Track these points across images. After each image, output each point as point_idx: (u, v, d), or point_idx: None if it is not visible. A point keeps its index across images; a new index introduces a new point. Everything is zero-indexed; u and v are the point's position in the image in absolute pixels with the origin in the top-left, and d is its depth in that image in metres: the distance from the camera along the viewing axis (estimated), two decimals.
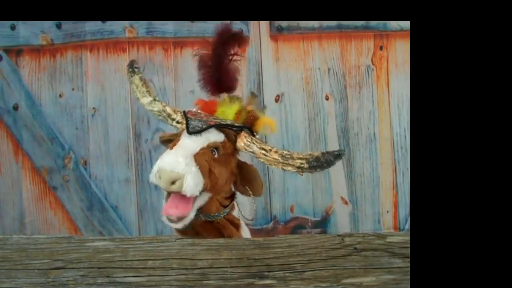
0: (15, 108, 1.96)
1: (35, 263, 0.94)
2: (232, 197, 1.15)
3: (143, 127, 1.95)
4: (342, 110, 1.95)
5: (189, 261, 0.92)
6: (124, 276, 0.91)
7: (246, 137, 1.06)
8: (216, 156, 1.03)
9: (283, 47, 1.95)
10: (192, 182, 0.95)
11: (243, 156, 1.14)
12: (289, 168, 1.01)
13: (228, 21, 1.14)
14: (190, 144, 1.01)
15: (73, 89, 1.97)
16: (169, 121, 1.12)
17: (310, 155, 1.00)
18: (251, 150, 1.04)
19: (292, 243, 0.94)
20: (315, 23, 1.93)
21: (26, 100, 1.96)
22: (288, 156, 1.01)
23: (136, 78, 1.18)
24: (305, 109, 1.94)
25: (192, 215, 1.01)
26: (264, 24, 1.94)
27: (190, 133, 1.03)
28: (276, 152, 1.02)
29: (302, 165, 0.99)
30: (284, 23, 1.93)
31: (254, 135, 1.09)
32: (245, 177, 1.11)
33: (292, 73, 1.95)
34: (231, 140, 1.07)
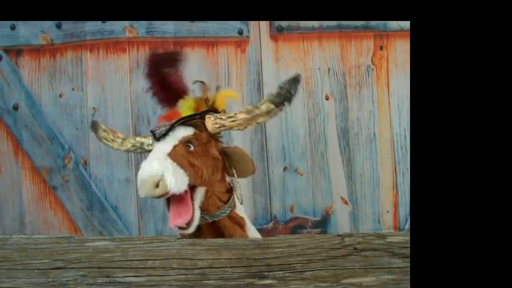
0: (15, 108, 1.96)
1: (35, 263, 0.94)
2: (230, 191, 1.15)
3: (143, 127, 1.95)
4: (342, 110, 1.94)
5: (189, 261, 0.93)
6: (124, 276, 0.91)
7: (210, 117, 1.08)
8: (192, 149, 1.04)
9: (283, 47, 1.95)
10: (173, 178, 0.96)
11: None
12: (261, 118, 1.04)
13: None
14: (161, 147, 1.02)
15: (73, 89, 1.97)
16: (146, 148, 1.15)
17: (269, 94, 1.04)
18: (222, 125, 1.07)
19: (292, 243, 0.94)
20: (315, 23, 1.92)
21: (26, 100, 1.96)
22: (253, 108, 1.04)
23: (101, 132, 1.23)
24: (305, 109, 1.94)
25: (197, 214, 1.01)
26: (264, 24, 1.94)
27: (158, 139, 1.04)
28: (241, 112, 1.06)
29: (269, 108, 1.02)
30: (284, 23, 1.93)
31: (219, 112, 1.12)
32: (234, 160, 1.12)
33: (292, 73, 1.93)
34: (202, 129, 1.08)
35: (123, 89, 1.96)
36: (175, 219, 0.99)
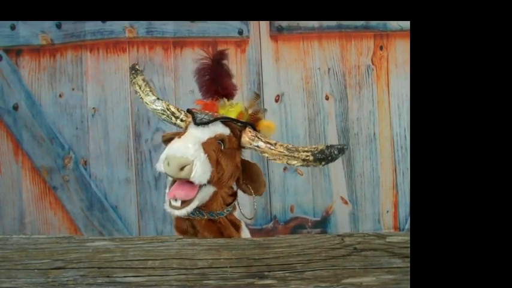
0: (15, 108, 1.96)
1: (35, 263, 0.94)
2: (234, 195, 1.15)
3: (143, 127, 1.95)
4: (342, 110, 1.95)
5: (189, 261, 0.93)
6: (124, 276, 0.91)
7: (250, 132, 1.08)
8: (222, 148, 1.04)
9: (283, 47, 1.95)
10: (201, 168, 0.96)
11: (246, 157, 1.15)
12: (295, 162, 1.03)
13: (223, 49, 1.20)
14: (198, 134, 1.02)
15: (73, 89, 1.97)
16: (173, 119, 1.13)
17: (315, 147, 1.02)
18: (256, 144, 1.06)
19: (292, 243, 0.94)
20: (315, 23, 1.93)
21: (26, 100, 1.96)
22: (293, 149, 1.03)
23: (139, 79, 1.21)
24: (305, 109, 1.94)
25: (195, 203, 1.01)
26: (264, 24, 1.94)
27: (197, 124, 1.04)
28: (281, 145, 1.04)
29: (307, 158, 1.01)
30: (284, 23, 1.93)
31: (258, 132, 1.11)
32: (248, 175, 1.12)
33: (292, 73, 1.95)
34: (236, 135, 1.08)
35: (123, 89, 1.96)
36: (176, 191, 0.98)
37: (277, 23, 1.93)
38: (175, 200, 0.99)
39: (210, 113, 1.08)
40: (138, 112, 1.95)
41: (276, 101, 1.94)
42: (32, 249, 0.97)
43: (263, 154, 1.06)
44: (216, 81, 1.13)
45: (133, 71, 1.23)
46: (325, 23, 1.93)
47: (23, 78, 1.97)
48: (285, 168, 1.94)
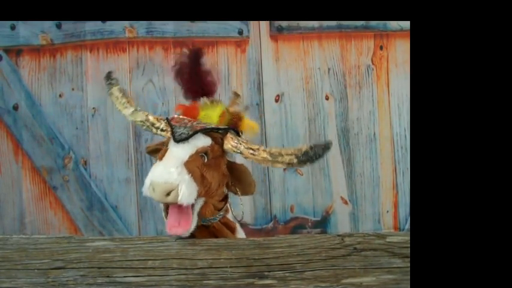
0: (15, 108, 1.96)
1: (35, 263, 0.94)
2: (225, 199, 1.15)
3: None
4: (342, 110, 1.94)
5: (189, 261, 0.93)
6: (124, 276, 0.91)
7: (232, 138, 1.06)
8: (206, 161, 1.03)
9: (283, 47, 1.95)
10: (187, 191, 0.95)
11: (235, 158, 1.14)
12: (279, 165, 1.02)
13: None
14: (179, 153, 1.01)
15: (73, 89, 1.97)
16: (154, 130, 1.11)
17: (298, 149, 1.00)
18: (239, 151, 1.04)
19: (292, 243, 0.94)
20: (315, 23, 1.92)
21: (26, 100, 1.96)
22: (277, 153, 1.01)
23: (115, 90, 1.18)
24: (305, 109, 1.94)
25: (194, 224, 1.01)
26: (264, 24, 1.94)
27: (177, 141, 1.02)
28: (264, 150, 1.03)
29: (291, 161, 1.00)
30: (284, 23, 1.93)
31: (240, 136, 1.10)
32: (236, 177, 1.11)
33: (292, 73, 1.95)
34: (218, 142, 1.06)
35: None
36: (174, 228, 0.99)
37: (277, 23, 1.93)
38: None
39: (189, 124, 1.06)
40: None
41: (276, 101, 1.94)
42: (32, 249, 0.97)
43: (246, 159, 1.04)
44: (195, 79, 1.12)
45: (108, 81, 1.20)
46: (325, 23, 1.92)
47: (23, 78, 1.97)
48: (285, 168, 1.94)
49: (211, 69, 1.15)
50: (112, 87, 1.19)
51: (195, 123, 1.07)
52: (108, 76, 1.22)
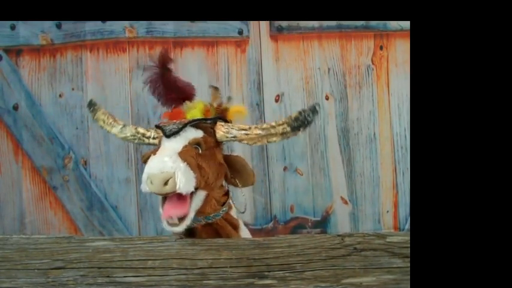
0: (15, 108, 1.96)
1: (35, 263, 0.94)
2: (227, 194, 1.15)
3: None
4: (342, 110, 1.94)
5: (189, 261, 0.93)
6: (124, 276, 0.91)
7: (222, 125, 1.08)
8: (200, 152, 1.04)
9: (283, 47, 1.95)
10: (184, 178, 0.95)
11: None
12: (274, 138, 1.04)
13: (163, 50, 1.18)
14: (172, 145, 1.01)
15: (73, 89, 1.97)
16: (146, 140, 1.12)
17: (289, 117, 1.02)
18: (232, 135, 1.06)
19: (292, 243, 0.94)
20: (315, 23, 1.92)
21: (26, 100, 1.96)
22: (269, 126, 1.03)
23: (100, 114, 1.19)
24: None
25: (191, 215, 1.00)
26: (264, 24, 1.94)
27: (168, 136, 1.03)
28: (256, 127, 1.04)
29: (285, 130, 1.02)
30: (284, 23, 1.93)
31: (230, 122, 1.11)
32: (235, 169, 1.12)
33: (292, 73, 1.95)
34: (210, 134, 1.07)
35: (123, 89, 1.96)
36: (170, 210, 0.98)
37: (277, 23, 1.93)
38: (172, 218, 0.99)
39: (178, 121, 1.07)
40: (138, 112, 1.95)
41: (276, 101, 1.94)
42: (32, 249, 0.97)
43: (242, 142, 1.06)
44: (170, 87, 1.13)
45: (91, 108, 1.21)
46: (325, 23, 1.93)
47: (23, 78, 1.97)
48: (285, 168, 1.94)
49: (179, 73, 1.16)
50: (96, 113, 1.20)
51: (183, 121, 1.09)
52: (89, 103, 1.23)
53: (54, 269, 0.93)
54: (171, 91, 1.13)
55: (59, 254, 0.95)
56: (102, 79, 1.96)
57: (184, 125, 1.04)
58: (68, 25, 1.94)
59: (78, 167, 1.96)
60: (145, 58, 1.95)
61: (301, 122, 1.01)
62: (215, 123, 1.08)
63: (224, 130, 1.07)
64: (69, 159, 1.96)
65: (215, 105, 1.14)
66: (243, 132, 1.05)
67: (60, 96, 1.97)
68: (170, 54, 1.16)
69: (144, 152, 1.22)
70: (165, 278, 0.91)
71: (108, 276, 0.91)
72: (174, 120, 1.09)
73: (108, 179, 1.96)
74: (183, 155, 0.99)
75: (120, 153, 1.96)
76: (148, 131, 1.12)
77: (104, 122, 1.18)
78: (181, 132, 1.03)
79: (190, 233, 1.06)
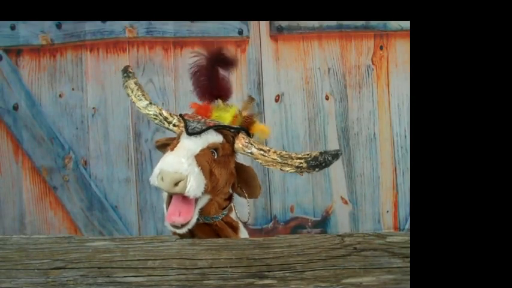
0: (15, 108, 1.96)
1: (35, 263, 0.94)
2: (230, 198, 1.15)
3: (143, 127, 1.95)
4: (342, 110, 1.95)
5: (189, 261, 0.92)
6: (124, 276, 0.91)
7: (244, 138, 1.07)
8: (215, 157, 1.03)
9: (283, 47, 1.95)
10: (195, 183, 0.95)
11: (242, 159, 1.14)
12: (288, 168, 1.01)
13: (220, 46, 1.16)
14: (190, 145, 1.01)
15: (73, 89, 1.97)
16: (166, 124, 1.12)
17: (308, 154, 1.01)
18: (249, 151, 1.05)
19: (292, 243, 0.94)
20: (315, 23, 1.93)
21: (26, 100, 1.96)
22: (287, 156, 1.02)
23: (131, 83, 1.19)
24: (305, 109, 1.94)
25: (194, 219, 1.01)
26: (264, 24, 1.94)
27: (189, 134, 1.03)
28: (274, 152, 1.03)
29: (301, 165, 1.00)
30: (284, 23, 1.93)
31: (251, 137, 1.10)
32: (243, 179, 1.12)
33: (292, 73, 1.95)
34: (229, 141, 1.07)
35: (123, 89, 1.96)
36: (174, 216, 0.98)
37: (277, 23, 1.93)
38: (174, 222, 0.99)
39: (203, 120, 1.07)
40: (138, 112, 1.95)
41: (276, 101, 1.94)
42: (32, 249, 0.97)
43: (256, 160, 1.05)
44: (211, 82, 1.12)
45: (125, 74, 1.21)
46: (325, 23, 1.93)
47: (23, 78, 1.97)
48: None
49: (229, 74, 1.15)
50: (128, 80, 1.20)
51: (208, 120, 1.08)
52: (125, 69, 1.23)
53: (54, 269, 0.93)
54: (212, 87, 1.12)
55: (59, 254, 0.95)
56: (102, 79, 1.96)
57: (208, 128, 1.04)
58: (68, 25, 1.94)
59: (78, 167, 1.96)
60: (145, 58, 1.96)
61: (319, 163, 0.99)
62: (238, 132, 1.08)
63: (244, 143, 1.06)
64: (69, 159, 1.96)
65: (244, 114, 1.13)
66: (262, 152, 1.04)
67: (60, 96, 1.97)
68: (233, 56, 1.15)
69: (159, 138, 1.22)
70: (165, 278, 0.91)
71: (108, 276, 0.91)
72: (199, 116, 1.08)
73: (108, 179, 1.96)
74: (200, 158, 0.99)
75: (120, 153, 1.96)
76: (171, 115, 1.12)
77: (132, 91, 1.18)
78: (202, 134, 1.03)
79: (189, 232, 1.06)
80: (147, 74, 1.95)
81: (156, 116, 1.13)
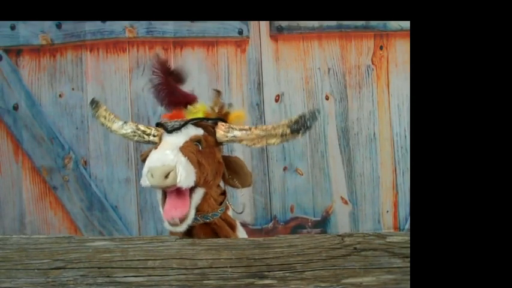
0: (15, 108, 1.96)
1: (35, 263, 0.94)
2: (224, 194, 1.16)
3: None
4: (342, 110, 1.94)
5: (189, 261, 0.92)
6: (124, 276, 0.91)
7: (223, 125, 1.09)
8: (200, 148, 1.05)
9: (283, 47, 1.95)
10: (184, 171, 0.96)
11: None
12: (274, 140, 1.04)
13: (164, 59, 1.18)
14: (173, 140, 1.03)
15: (73, 89, 1.97)
16: (146, 137, 1.13)
17: (289, 120, 1.03)
18: (232, 135, 1.07)
19: (292, 243, 0.94)
20: (315, 23, 1.93)
21: (26, 100, 1.96)
22: (270, 128, 1.04)
23: (102, 111, 1.21)
24: (305, 109, 1.94)
25: (192, 214, 1.01)
26: (264, 24, 1.94)
27: (170, 131, 1.05)
28: (256, 128, 1.05)
29: (284, 132, 1.02)
30: (284, 23, 1.93)
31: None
32: (232, 169, 1.14)
33: (292, 73, 1.95)
34: (210, 133, 1.09)
35: (123, 89, 1.96)
36: (171, 211, 0.99)
37: (277, 23, 1.93)
38: (173, 218, 0.99)
39: (180, 119, 1.09)
40: (138, 112, 1.95)
41: (276, 101, 1.94)
42: (32, 249, 0.97)
43: (242, 142, 1.07)
44: (173, 92, 1.13)
45: (93, 105, 1.23)
46: (325, 23, 1.93)
47: (23, 78, 1.97)
48: (285, 168, 1.94)
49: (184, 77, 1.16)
50: (98, 110, 1.22)
51: (186, 118, 1.10)
52: (92, 102, 1.25)
53: (54, 269, 0.93)
54: (174, 95, 1.14)
55: (59, 254, 0.95)
56: (102, 79, 1.96)
57: (186, 122, 1.06)
58: (67, 25, 1.94)
59: (78, 167, 1.96)
60: (145, 58, 1.96)
61: (301, 125, 1.01)
62: (216, 123, 1.10)
63: (224, 130, 1.08)
64: (69, 159, 1.96)
65: (216, 109, 1.15)
66: (243, 132, 1.06)
67: (60, 96, 1.97)
68: (167, 57, 1.17)
69: (143, 151, 1.23)
70: (165, 278, 0.91)
71: (108, 276, 0.91)
72: (176, 119, 1.10)
73: (108, 179, 1.96)
74: (184, 149, 1.00)
75: (120, 153, 1.96)
76: (149, 128, 1.13)
77: (105, 118, 1.20)
78: (182, 129, 1.05)
79: (187, 232, 1.06)
80: (147, 74, 1.94)
81: (134, 132, 1.14)
